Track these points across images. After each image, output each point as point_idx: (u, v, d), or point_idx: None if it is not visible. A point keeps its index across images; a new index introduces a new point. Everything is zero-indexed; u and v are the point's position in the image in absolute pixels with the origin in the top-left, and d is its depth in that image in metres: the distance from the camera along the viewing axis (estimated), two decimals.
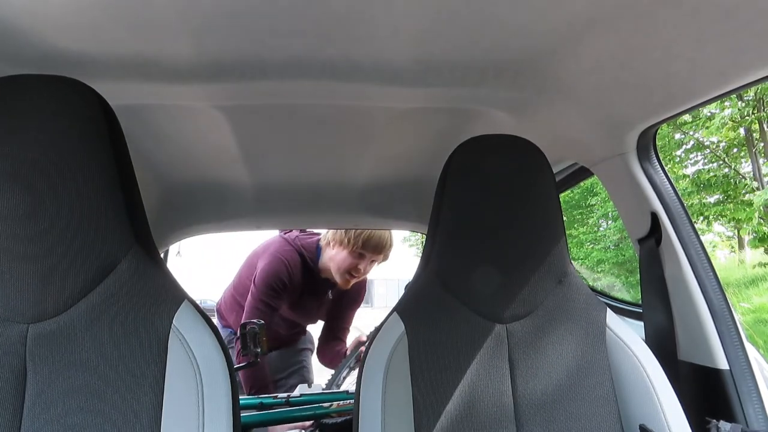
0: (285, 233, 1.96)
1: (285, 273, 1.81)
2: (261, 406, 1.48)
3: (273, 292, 1.79)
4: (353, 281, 1.92)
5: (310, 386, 1.63)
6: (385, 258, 1.95)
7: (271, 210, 1.68)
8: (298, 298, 1.91)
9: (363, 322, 2.21)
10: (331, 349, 2.11)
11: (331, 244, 1.86)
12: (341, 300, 2.08)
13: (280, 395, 1.50)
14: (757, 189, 8.70)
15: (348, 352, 2.05)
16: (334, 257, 1.85)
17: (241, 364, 1.59)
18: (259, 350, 1.51)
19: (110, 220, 0.65)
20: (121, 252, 0.66)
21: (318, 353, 2.17)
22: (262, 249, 1.97)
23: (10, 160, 0.60)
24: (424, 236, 1.03)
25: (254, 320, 1.55)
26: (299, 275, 1.85)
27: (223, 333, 2.06)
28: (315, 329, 2.27)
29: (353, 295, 2.09)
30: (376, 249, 1.86)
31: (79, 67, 0.83)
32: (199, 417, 0.62)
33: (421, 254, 0.96)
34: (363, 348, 1.98)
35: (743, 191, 8.98)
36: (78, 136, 0.63)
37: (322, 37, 0.78)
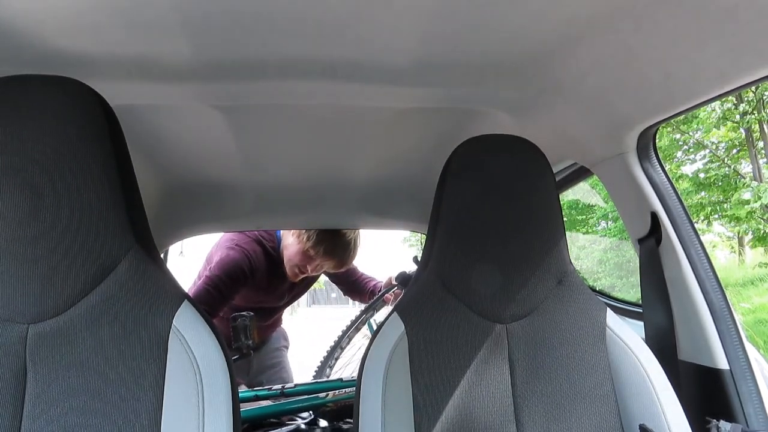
0: None
1: (245, 262, 1.74)
2: (256, 399, 1.48)
3: (229, 280, 1.71)
4: (302, 277, 1.88)
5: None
6: (343, 267, 1.89)
7: (271, 210, 1.68)
8: (266, 285, 1.86)
9: None
10: (362, 289, 2.13)
11: (291, 230, 1.83)
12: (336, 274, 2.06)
13: (275, 387, 1.50)
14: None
15: (380, 291, 2.05)
16: (288, 246, 1.81)
17: (233, 357, 1.58)
18: (250, 342, 1.51)
19: (110, 220, 0.65)
20: (121, 252, 0.66)
21: (349, 296, 2.20)
22: (217, 246, 1.89)
23: (10, 161, 0.61)
24: (424, 236, 1.03)
25: (244, 313, 1.53)
26: (263, 267, 1.80)
27: None
28: (291, 326, 2.27)
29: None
30: (326, 256, 1.79)
31: (79, 67, 0.83)
32: (199, 417, 0.62)
33: (421, 254, 0.95)
34: (388, 295, 1.99)
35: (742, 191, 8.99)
36: (78, 136, 0.63)
37: (322, 37, 0.78)
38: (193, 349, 0.65)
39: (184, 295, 0.69)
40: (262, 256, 1.81)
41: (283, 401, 1.45)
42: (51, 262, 0.62)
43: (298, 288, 2.03)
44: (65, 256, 0.62)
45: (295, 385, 1.49)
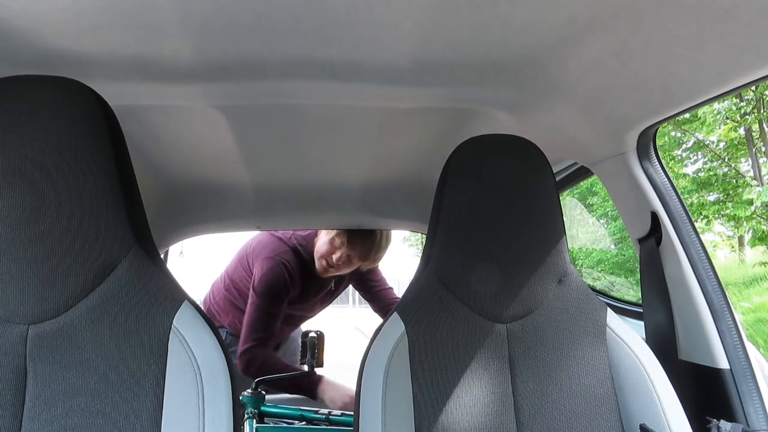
0: (275, 230, 1.91)
1: (285, 275, 1.76)
2: (301, 418, 1.50)
3: (276, 299, 1.74)
4: (330, 271, 1.85)
5: None
6: (367, 259, 1.85)
7: (271, 210, 1.68)
8: (299, 295, 1.87)
9: (363, 323, 2.21)
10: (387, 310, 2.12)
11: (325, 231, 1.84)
12: (355, 277, 2.04)
13: (322, 410, 1.51)
14: (757, 187, 8.69)
15: None
16: (316, 240, 1.83)
17: (294, 372, 1.61)
18: (314, 362, 1.51)
19: (110, 220, 0.65)
20: (121, 252, 0.66)
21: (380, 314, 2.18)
22: (253, 249, 1.90)
23: (10, 161, 0.61)
24: (424, 236, 1.03)
25: (314, 330, 1.55)
26: (298, 275, 1.81)
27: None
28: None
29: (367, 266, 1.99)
30: (349, 245, 1.78)
31: (79, 68, 0.83)
32: (200, 417, 0.62)
33: (421, 254, 0.96)
34: None
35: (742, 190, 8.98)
36: (78, 136, 0.63)
37: (322, 37, 0.78)
38: (193, 349, 0.65)
39: (184, 296, 0.69)
40: (297, 266, 1.81)
41: (324, 427, 1.46)
42: (51, 262, 0.62)
43: (328, 299, 2.06)
44: (65, 257, 0.62)
45: (342, 414, 1.49)
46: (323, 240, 1.81)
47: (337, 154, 1.33)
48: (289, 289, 1.77)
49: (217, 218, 1.66)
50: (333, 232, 1.79)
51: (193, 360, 0.64)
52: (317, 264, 1.83)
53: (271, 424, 1.51)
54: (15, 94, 0.63)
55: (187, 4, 0.69)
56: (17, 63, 0.81)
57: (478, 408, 0.76)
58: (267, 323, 1.71)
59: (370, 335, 0.84)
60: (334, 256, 1.79)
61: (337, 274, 1.89)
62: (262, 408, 1.51)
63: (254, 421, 1.48)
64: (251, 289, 1.77)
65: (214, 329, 0.69)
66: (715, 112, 8.86)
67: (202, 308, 2.15)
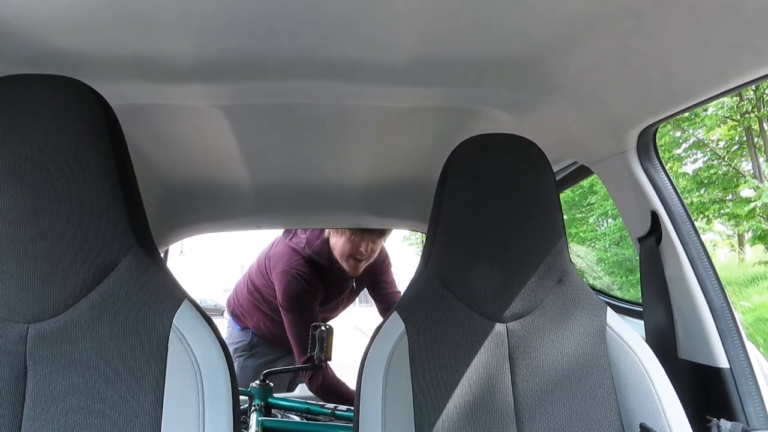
0: (290, 239, 1.92)
1: (304, 285, 1.79)
2: (308, 412, 1.50)
3: (305, 308, 1.78)
4: (361, 266, 1.89)
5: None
6: (385, 234, 1.92)
7: (270, 210, 1.68)
8: (324, 299, 1.91)
9: (363, 322, 2.23)
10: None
11: (331, 233, 1.86)
12: (370, 277, 2.06)
13: (328, 405, 1.52)
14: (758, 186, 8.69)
15: None
16: (335, 245, 1.84)
17: (303, 365, 1.64)
18: (323, 356, 1.53)
19: (110, 219, 0.65)
20: (121, 252, 0.66)
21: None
22: (270, 258, 1.94)
23: (10, 160, 0.60)
24: (424, 236, 1.03)
25: (322, 324, 1.57)
26: (317, 282, 1.84)
27: (243, 335, 2.09)
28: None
29: (377, 265, 2.04)
30: (368, 231, 1.83)
31: (79, 67, 0.83)
32: (200, 417, 0.62)
33: (421, 254, 0.96)
34: None
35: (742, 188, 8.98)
36: (78, 136, 0.63)
37: (322, 37, 0.78)
38: (194, 348, 0.65)
39: (184, 295, 0.69)
40: (315, 275, 1.83)
41: (329, 423, 1.47)
42: (51, 261, 0.62)
43: (350, 298, 2.09)
44: (65, 256, 0.62)
45: (347, 409, 1.50)
46: (341, 242, 1.82)
47: (337, 154, 1.33)
48: (313, 295, 1.81)
49: (217, 217, 1.67)
50: (346, 231, 1.81)
51: (193, 359, 0.64)
52: (347, 266, 1.86)
53: (279, 417, 1.52)
54: (15, 93, 0.63)
55: (187, 4, 0.69)
56: (17, 62, 0.81)
57: (479, 407, 0.76)
58: (308, 332, 1.75)
59: (370, 335, 0.84)
60: (362, 248, 1.82)
61: (368, 264, 1.92)
62: (269, 400, 1.52)
63: (260, 413, 1.48)
64: (280, 306, 1.81)
65: (214, 328, 0.69)
66: (719, 106, 8.86)
67: (227, 310, 2.20)
